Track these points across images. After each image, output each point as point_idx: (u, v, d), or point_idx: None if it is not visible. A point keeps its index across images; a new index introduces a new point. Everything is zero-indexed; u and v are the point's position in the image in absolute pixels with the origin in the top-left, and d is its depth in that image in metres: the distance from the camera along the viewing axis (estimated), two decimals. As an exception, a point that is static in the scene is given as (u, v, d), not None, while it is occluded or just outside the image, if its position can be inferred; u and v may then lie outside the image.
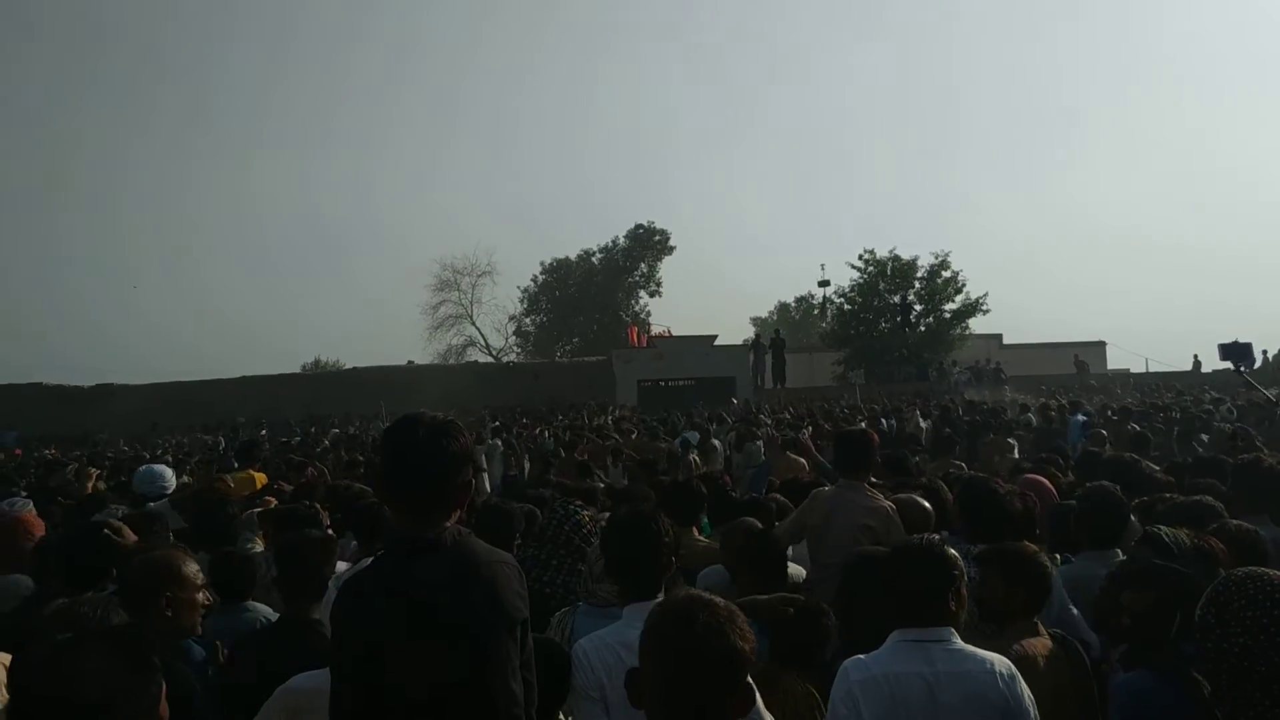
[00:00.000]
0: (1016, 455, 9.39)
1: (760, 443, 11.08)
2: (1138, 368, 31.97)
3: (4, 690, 2.03)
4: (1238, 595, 1.95)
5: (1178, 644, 2.43)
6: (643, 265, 49.47)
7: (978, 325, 31.66)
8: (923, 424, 13.07)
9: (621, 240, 49.49)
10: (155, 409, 28.65)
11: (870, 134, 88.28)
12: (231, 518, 4.87)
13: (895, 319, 30.93)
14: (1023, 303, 74.12)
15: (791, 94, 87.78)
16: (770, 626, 2.91)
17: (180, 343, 68.16)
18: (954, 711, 2.32)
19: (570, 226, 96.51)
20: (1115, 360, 34.10)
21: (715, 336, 32.22)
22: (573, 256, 50.75)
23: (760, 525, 4.11)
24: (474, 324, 49.46)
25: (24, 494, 6.35)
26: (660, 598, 2.61)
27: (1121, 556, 3.84)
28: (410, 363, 38.08)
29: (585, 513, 4.00)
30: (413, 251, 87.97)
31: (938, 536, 2.71)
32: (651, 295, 49.59)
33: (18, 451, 19.87)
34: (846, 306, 32.44)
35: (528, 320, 51.46)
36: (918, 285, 31.17)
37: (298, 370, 43.26)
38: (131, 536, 3.54)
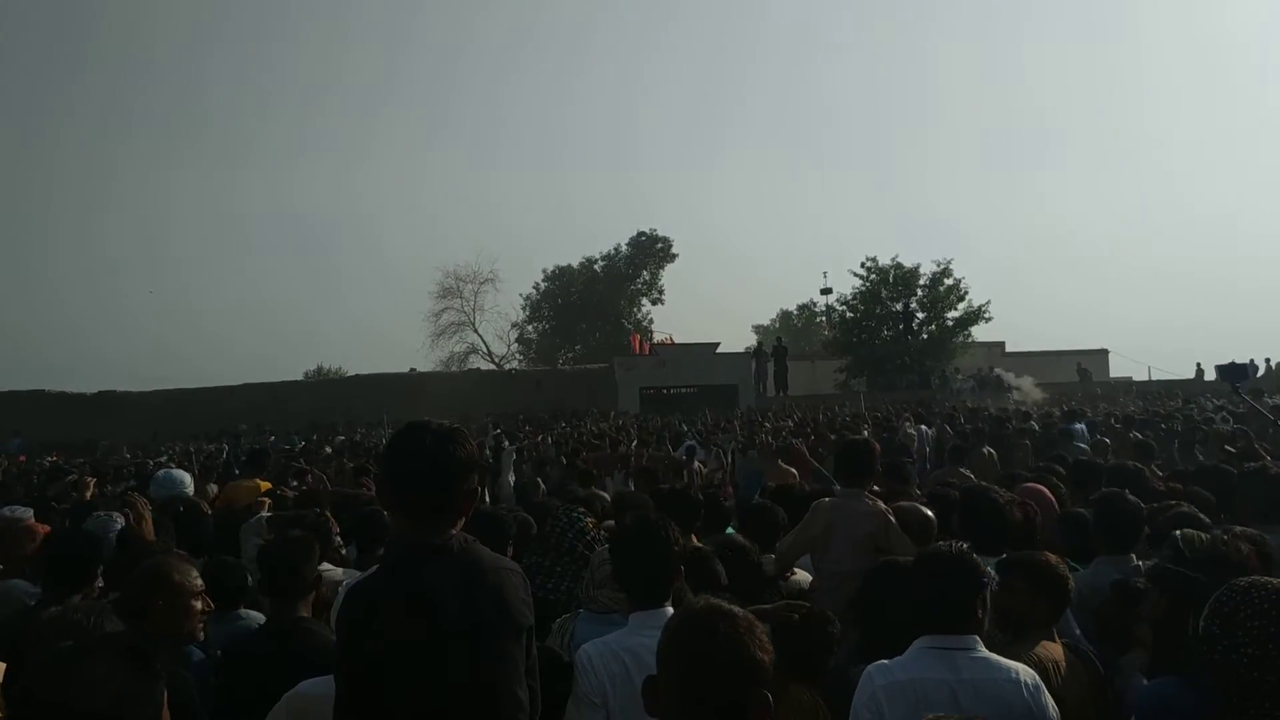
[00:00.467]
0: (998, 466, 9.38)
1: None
2: (1140, 375, 31.99)
3: None
4: (1243, 605, 1.94)
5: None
6: (645, 273, 49.52)
7: (980, 333, 31.69)
8: (912, 432, 13.01)
9: (624, 248, 49.60)
10: (157, 417, 28.67)
11: (873, 141, 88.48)
12: (230, 528, 4.86)
13: (897, 327, 30.93)
14: (1026, 308, 74.03)
15: (795, 101, 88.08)
16: (775, 635, 2.91)
17: (182, 350, 68.24)
18: None
19: (573, 234, 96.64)
20: (1118, 368, 34.11)
21: (717, 344, 32.22)
22: (575, 264, 50.87)
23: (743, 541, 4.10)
24: (476, 331, 49.51)
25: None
26: (668, 606, 2.61)
27: (1136, 562, 3.84)
28: (412, 370, 38.08)
29: (589, 519, 4.00)
30: (415, 258, 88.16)
31: (965, 545, 2.69)
32: (654, 303, 49.71)
33: (21, 458, 19.86)
34: (849, 314, 32.44)
35: (530, 328, 51.50)
36: (920, 293, 31.18)
37: (300, 378, 43.30)
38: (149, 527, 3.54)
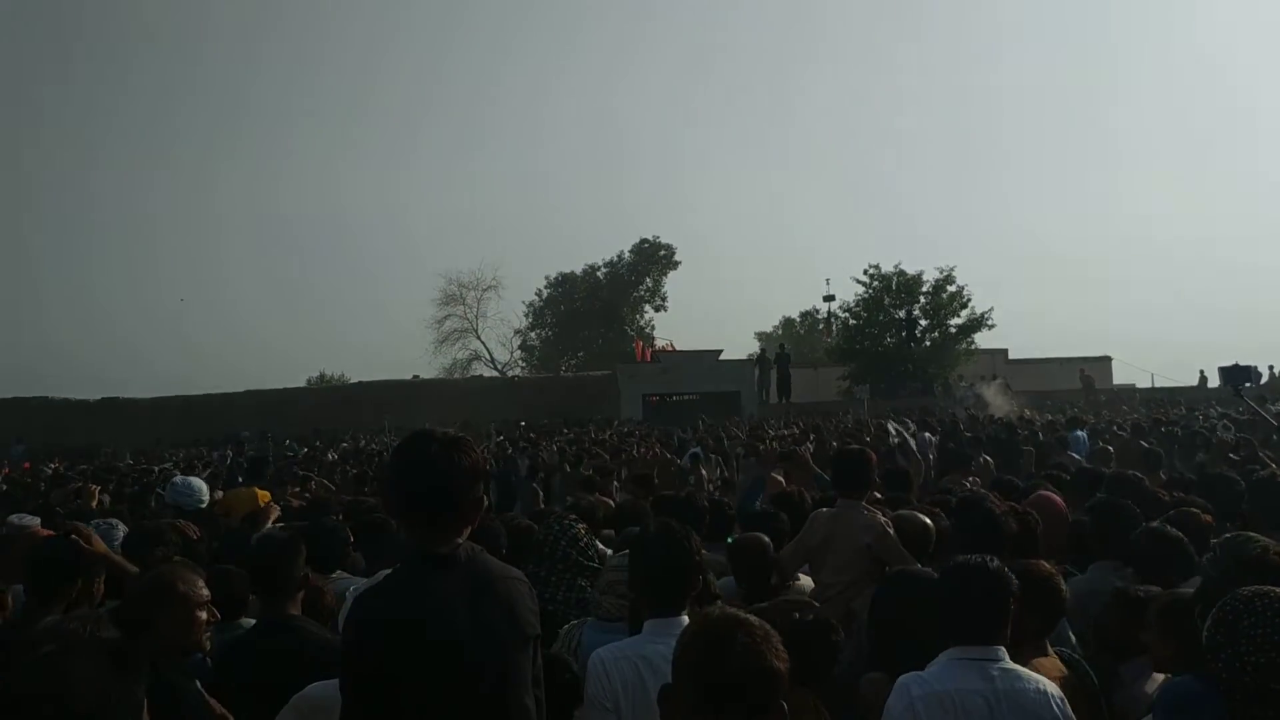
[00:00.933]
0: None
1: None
2: (1143, 383, 31.96)
3: None
4: (1246, 614, 1.95)
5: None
6: (648, 280, 49.58)
7: (983, 340, 31.67)
8: (911, 442, 13.00)
9: (627, 255, 49.65)
10: (161, 422, 28.72)
11: (876, 148, 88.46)
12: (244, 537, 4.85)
13: (900, 334, 30.91)
14: (1029, 315, 73.94)
15: (797, 109, 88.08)
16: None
17: (185, 357, 68.28)
18: None
19: (575, 241, 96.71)
20: (1121, 375, 34.05)
21: (720, 351, 32.27)
22: (578, 271, 50.93)
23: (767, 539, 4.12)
24: (479, 338, 49.58)
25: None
26: (684, 615, 2.62)
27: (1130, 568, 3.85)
28: (415, 377, 38.11)
29: (580, 526, 4.02)
30: (417, 266, 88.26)
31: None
32: (657, 310, 49.76)
33: (26, 465, 19.89)
34: (851, 321, 32.44)
35: (533, 334, 51.55)
36: (923, 300, 31.16)
37: (303, 384, 43.39)
38: (100, 545, 3.56)
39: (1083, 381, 29.20)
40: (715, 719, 1.74)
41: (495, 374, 47.15)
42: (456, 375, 45.86)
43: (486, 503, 2.19)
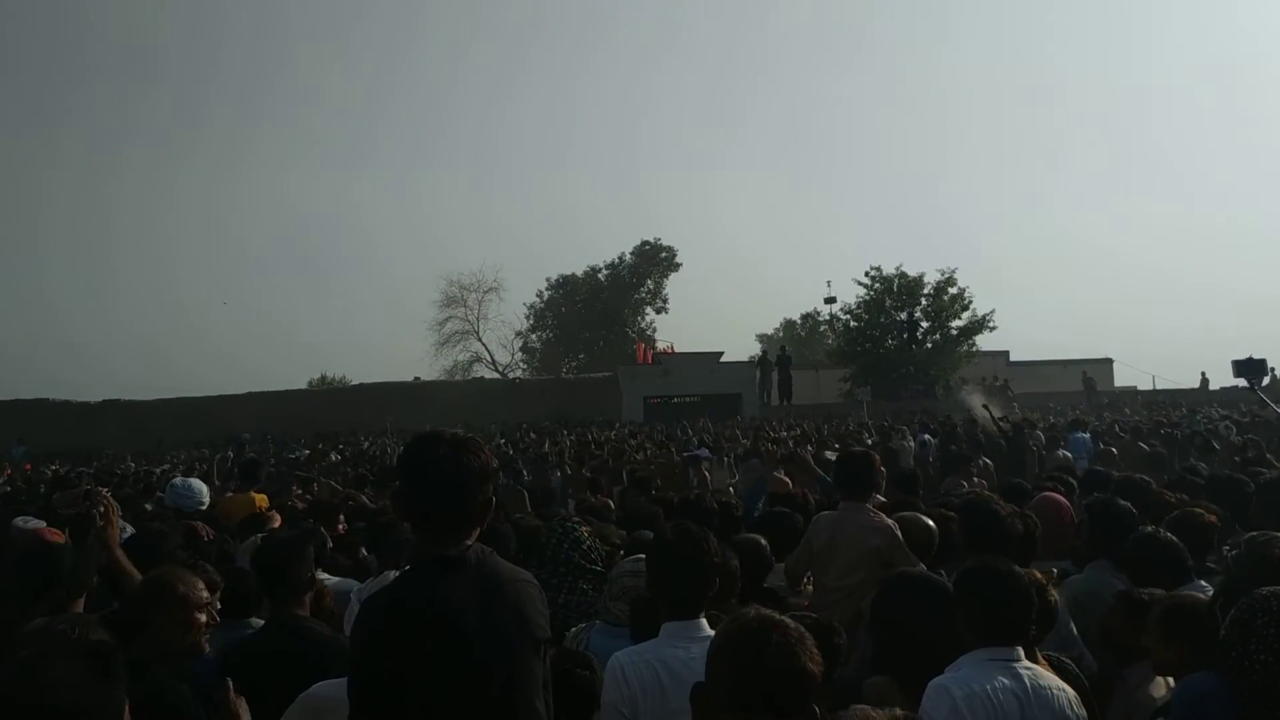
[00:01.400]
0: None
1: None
2: (1145, 385, 31.95)
3: None
4: (1261, 613, 1.95)
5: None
6: (649, 282, 49.60)
7: (984, 342, 31.65)
8: (910, 444, 12.99)
9: (628, 256, 49.66)
10: (161, 425, 28.72)
11: (877, 151, 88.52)
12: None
13: (902, 336, 30.88)
14: (1030, 317, 73.93)
15: (798, 110, 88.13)
16: None
17: (186, 359, 68.34)
18: None
19: (577, 243, 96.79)
20: (1122, 377, 34.03)
21: (721, 353, 32.25)
22: (579, 273, 50.93)
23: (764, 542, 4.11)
24: (480, 340, 49.59)
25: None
26: (702, 618, 2.61)
27: None
28: (417, 379, 38.13)
29: (584, 529, 4.01)
30: (419, 268, 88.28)
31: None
32: (658, 312, 49.77)
33: (27, 466, 19.88)
34: (853, 323, 32.41)
35: (534, 336, 51.58)
36: (924, 302, 31.13)
37: (304, 386, 43.38)
38: (115, 532, 3.55)
39: (1084, 383, 29.19)
40: (746, 719, 1.74)
41: (496, 376, 47.17)
42: (457, 377, 45.86)
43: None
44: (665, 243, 49.35)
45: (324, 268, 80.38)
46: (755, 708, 1.74)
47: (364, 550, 4.83)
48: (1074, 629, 3.49)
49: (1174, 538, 3.62)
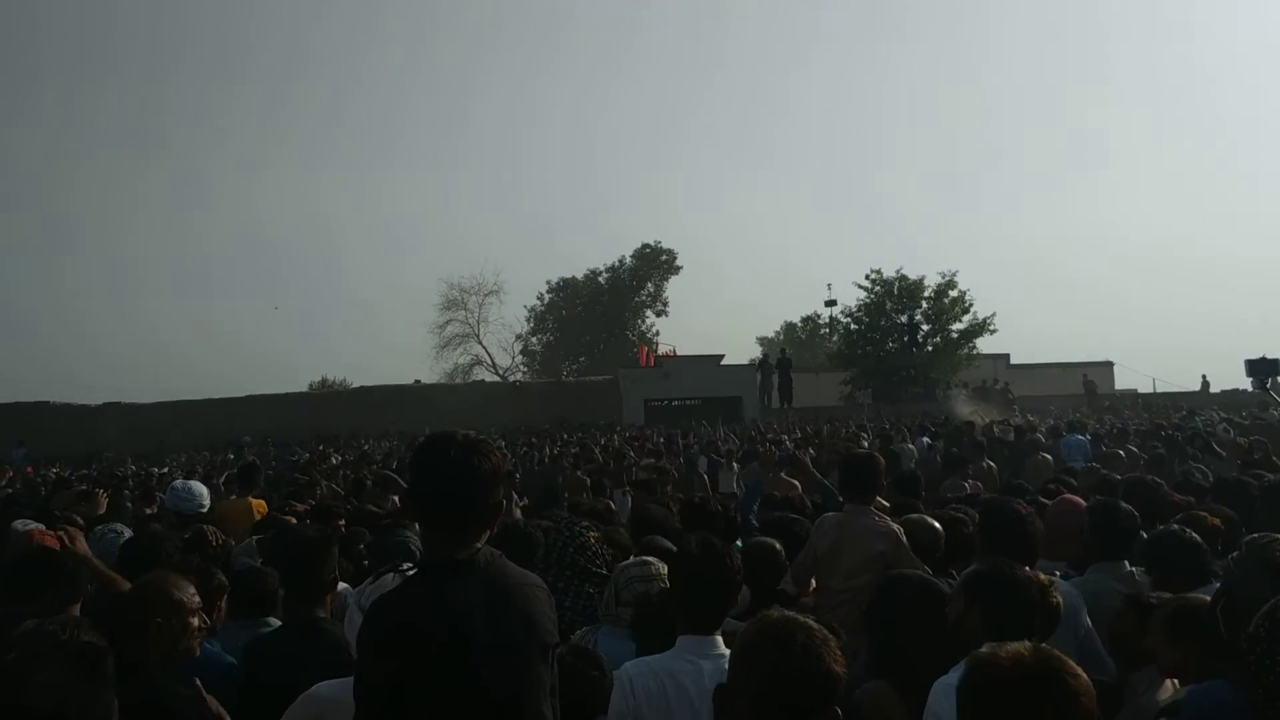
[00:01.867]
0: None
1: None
2: (1145, 388, 31.93)
3: None
4: None
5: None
6: (649, 285, 49.64)
7: (985, 345, 31.66)
8: (911, 447, 13.00)
9: (628, 260, 49.69)
10: (162, 427, 28.69)
11: (876, 153, 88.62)
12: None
13: (902, 339, 30.90)
14: (1031, 320, 73.95)
15: (798, 114, 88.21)
16: None
17: (187, 361, 68.29)
18: None
19: (577, 246, 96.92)
20: (1123, 380, 34.05)
21: (722, 356, 32.25)
22: (579, 276, 50.95)
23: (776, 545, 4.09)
24: (481, 343, 49.64)
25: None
26: (718, 635, 2.60)
27: (1129, 569, 3.83)
28: (417, 382, 38.10)
29: (591, 534, 3.99)
30: (420, 270, 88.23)
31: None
32: (658, 315, 49.80)
33: (29, 469, 19.87)
34: (853, 326, 32.43)
35: (534, 339, 51.61)
36: (925, 305, 31.16)
37: (305, 389, 43.33)
38: (82, 547, 3.56)
39: (1085, 386, 29.20)
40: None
41: (497, 379, 47.20)
42: (458, 380, 45.87)
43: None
44: (666, 246, 49.48)
45: (324, 271, 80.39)
46: (780, 709, 1.74)
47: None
48: (1095, 637, 3.46)
49: (1198, 538, 3.59)
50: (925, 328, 31.12)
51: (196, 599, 2.84)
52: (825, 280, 52.03)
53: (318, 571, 3.14)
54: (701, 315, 79.57)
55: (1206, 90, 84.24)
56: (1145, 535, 3.95)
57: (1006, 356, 34.85)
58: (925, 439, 13.85)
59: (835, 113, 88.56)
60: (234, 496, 7.81)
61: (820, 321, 49.07)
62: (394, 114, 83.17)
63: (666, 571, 3.23)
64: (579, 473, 10.70)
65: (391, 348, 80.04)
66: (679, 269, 49.54)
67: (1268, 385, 8.34)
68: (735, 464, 11.82)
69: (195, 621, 2.78)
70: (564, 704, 2.15)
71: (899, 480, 6.61)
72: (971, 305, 30.69)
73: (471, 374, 48.49)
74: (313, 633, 3.01)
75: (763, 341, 57.08)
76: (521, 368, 50.91)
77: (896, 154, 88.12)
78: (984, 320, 30.56)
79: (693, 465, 11.96)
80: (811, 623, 1.84)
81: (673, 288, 49.72)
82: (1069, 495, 5.04)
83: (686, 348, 36.68)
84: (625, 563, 3.39)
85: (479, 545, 2.04)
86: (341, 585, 4.05)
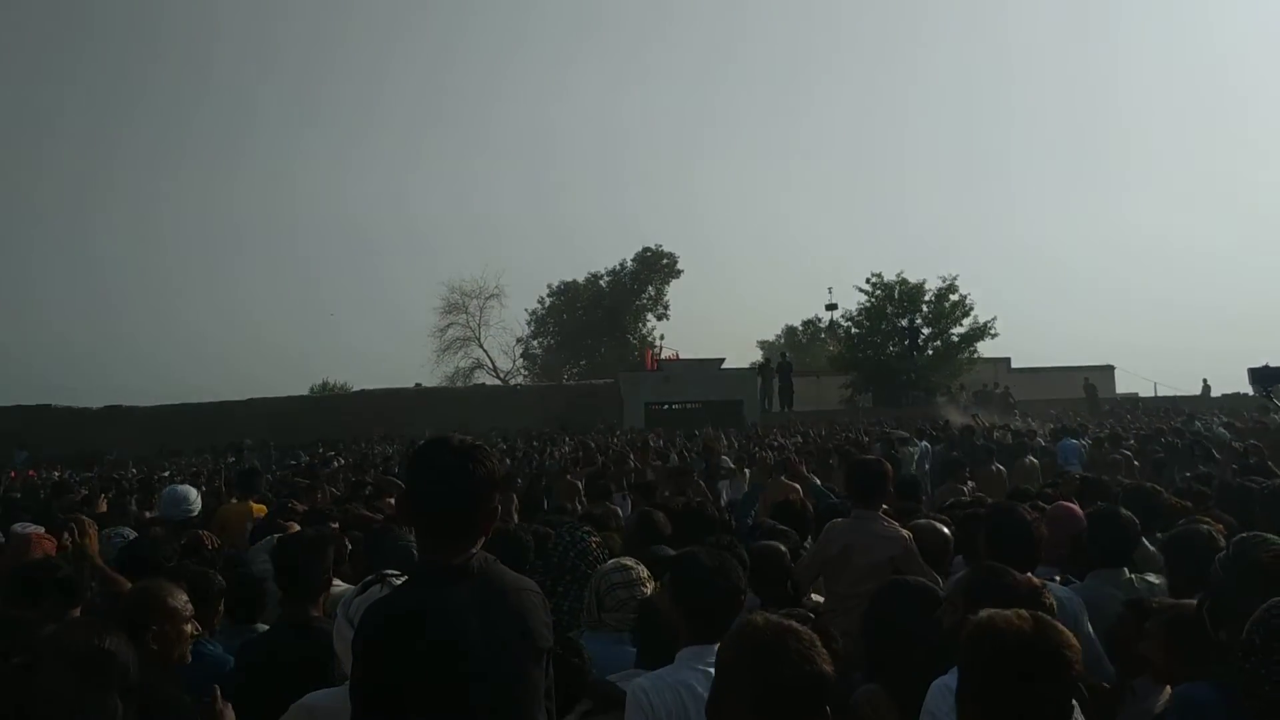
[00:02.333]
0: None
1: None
2: (1146, 392, 31.93)
3: None
4: None
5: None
6: (650, 288, 49.67)
7: (986, 349, 31.64)
8: (912, 450, 12.99)
9: (629, 263, 49.76)
10: (163, 431, 28.73)
11: (878, 157, 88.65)
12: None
13: (903, 343, 30.89)
14: (1032, 324, 73.91)
15: (800, 117, 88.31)
16: None
17: (188, 365, 68.35)
18: None
19: (578, 249, 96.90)
20: (1124, 384, 34.03)
21: (723, 359, 32.22)
22: (580, 279, 51.01)
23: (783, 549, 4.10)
24: (482, 347, 49.67)
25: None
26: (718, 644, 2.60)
27: (1129, 575, 3.83)
28: (418, 385, 38.13)
29: (593, 539, 3.99)
30: (420, 274, 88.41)
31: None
32: (659, 318, 49.81)
33: (31, 473, 19.89)
34: (854, 330, 32.43)
35: (535, 343, 51.67)
36: (925, 309, 31.15)
37: (305, 393, 43.38)
38: (94, 543, 3.55)
39: (1086, 391, 29.16)
40: None
41: (498, 382, 47.20)
42: (459, 384, 45.89)
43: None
44: (667, 249, 49.51)
45: (324, 274, 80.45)
46: (775, 713, 1.74)
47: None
48: (1096, 643, 3.45)
49: (1220, 538, 3.58)
50: (926, 331, 31.11)
51: (190, 606, 2.85)
52: (826, 284, 52.17)
53: (312, 570, 3.15)
54: (702, 319, 79.69)
55: (1218, 93, 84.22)
56: (1160, 537, 3.96)
57: (1007, 360, 34.83)
58: (924, 443, 13.84)
59: (838, 117, 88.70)
60: (234, 500, 7.81)
61: (821, 325, 49.06)
62: (396, 117, 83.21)
63: (647, 574, 3.25)
64: (568, 477, 10.62)
65: (392, 352, 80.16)
66: (680, 272, 49.68)
67: (1270, 394, 8.31)
68: (745, 470, 11.79)
69: (189, 629, 2.80)
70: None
71: (898, 485, 6.61)
72: (972, 309, 30.74)
73: (473, 377, 48.57)
74: (305, 633, 3.01)
75: (763, 345, 57.13)
76: (522, 371, 51.01)
77: (899, 158, 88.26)
78: (985, 324, 30.59)
79: (687, 474, 11.90)
80: (795, 625, 1.84)
81: (674, 291, 49.86)
82: (1064, 502, 5.05)
83: (687, 351, 36.68)
84: (604, 568, 3.36)
85: (474, 550, 2.04)
86: (341, 586, 4.07)
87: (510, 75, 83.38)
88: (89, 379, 72.17)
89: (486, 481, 2.05)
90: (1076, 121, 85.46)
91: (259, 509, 6.83)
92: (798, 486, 7.42)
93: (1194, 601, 2.96)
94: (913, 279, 31.36)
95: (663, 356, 36.12)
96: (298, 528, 5.44)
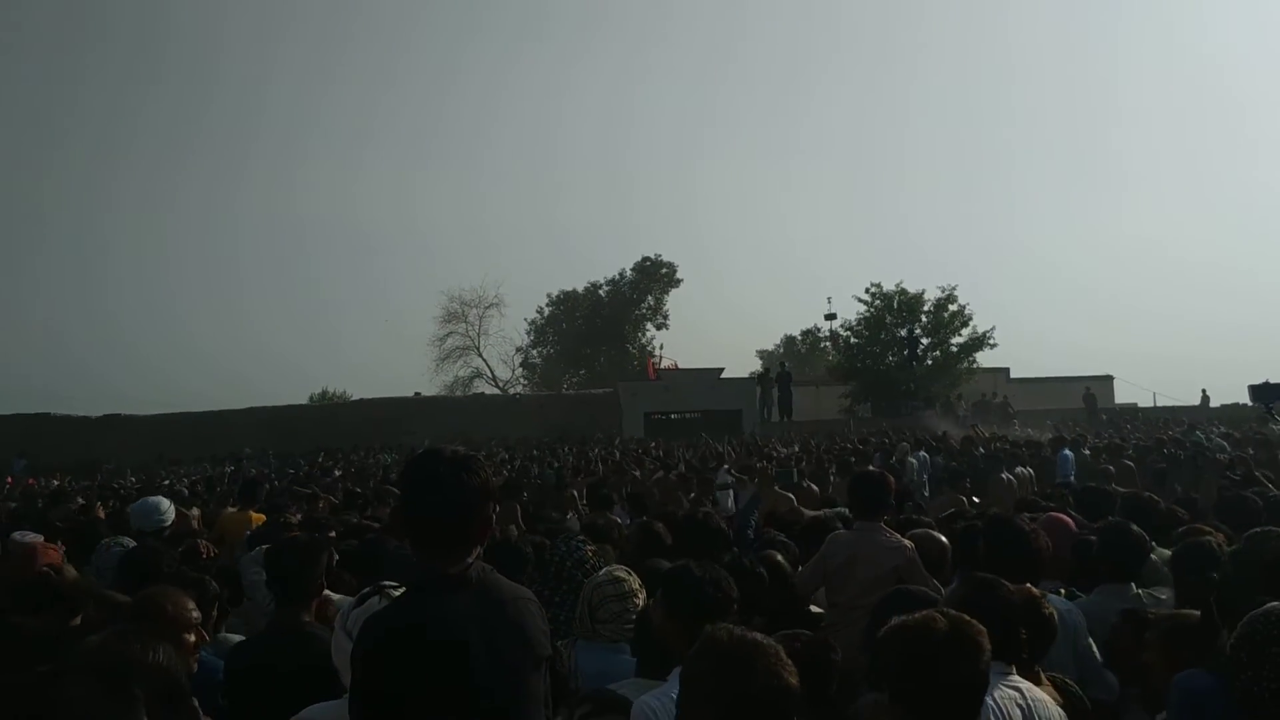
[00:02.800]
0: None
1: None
2: (1145, 402, 31.94)
3: None
4: (1275, 637, 1.92)
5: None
6: (649, 298, 49.70)
7: (985, 359, 31.67)
8: (912, 460, 13.00)
9: (628, 273, 49.81)
10: (162, 439, 28.71)
11: (878, 166, 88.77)
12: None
13: (902, 352, 30.91)
14: (1031, 334, 73.95)
15: (799, 126, 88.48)
16: None
17: (187, 373, 68.36)
18: None
19: (578, 258, 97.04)
20: (1123, 394, 34.05)
21: (722, 369, 32.30)
22: (580, 289, 51.07)
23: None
24: (481, 355, 49.67)
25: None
26: None
27: (1136, 590, 3.84)
28: (417, 394, 38.11)
29: (589, 549, 4.01)
30: (420, 284, 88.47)
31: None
32: (658, 328, 49.82)
33: (30, 481, 19.87)
34: (853, 340, 32.46)
35: (535, 352, 51.66)
36: (924, 319, 31.19)
37: (305, 401, 43.37)
38: (70, 574, 3.58)
39: (1086, 401, 29.17)
40: None
41: (497, 392, 47.20)
42: (458, 393, 45.90)
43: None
44: (666, 259, 49.58)
45: (324, 279, 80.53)
46: None
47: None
48: (1095, 653, 3.45)
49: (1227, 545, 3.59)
50: (925, 341, 31.14)
51: (196, 614, 2.85)
52: (825, 294, 52.22)
53: (304, 575, 3.14)
54: (701, 328, 79.65)
55: (1220, 103, 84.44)
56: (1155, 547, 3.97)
57: (1006, 370, 34.87)
58: (922, 453, 13.86)
59: (838, 125, 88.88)
60: (234, 509, 7.83)
61: (820, 335, 49.06)
62: (398, 123, 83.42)
63: (639, 585, 3.25)
64: (570, 492, 10.60)
65: (391, 361, 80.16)
66: (679, 282, 49.69)
67: (1270, 409, 8.36)
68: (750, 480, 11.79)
69: (191, 637, 2.80)
70: None
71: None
72: (971, 319, 30.78)
73: (472, 387, 48.57)
74: (297, 638, 3.01)
75: (763, 355, 57.07)
76: (522, 380, 50.99)
77: (898, 164, 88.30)
78: (984, 334, 30.63)
79: (686, 482, 11.90)
80: (759, 637, 1.84)
81: (673, 301, 49.88)
82: (1056, 514, 5.06)
83: (686, 361, 36.73)
84: (596, 578, 3.37)
85: (470, 560, 2.05)
86: (337, 597, 4.07)
87: (510, 82, 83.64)
88: (88, 387, 72.15)
89: (479, 492, 2.06)
90: (1077, 130, 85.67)
91: (258, 518, 6.85)
92: (790, 497, 7.45)
93: (1192, 612, 2.98)
94: (912, 289, 31.44)
95: (662, 366, 36.15)
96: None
